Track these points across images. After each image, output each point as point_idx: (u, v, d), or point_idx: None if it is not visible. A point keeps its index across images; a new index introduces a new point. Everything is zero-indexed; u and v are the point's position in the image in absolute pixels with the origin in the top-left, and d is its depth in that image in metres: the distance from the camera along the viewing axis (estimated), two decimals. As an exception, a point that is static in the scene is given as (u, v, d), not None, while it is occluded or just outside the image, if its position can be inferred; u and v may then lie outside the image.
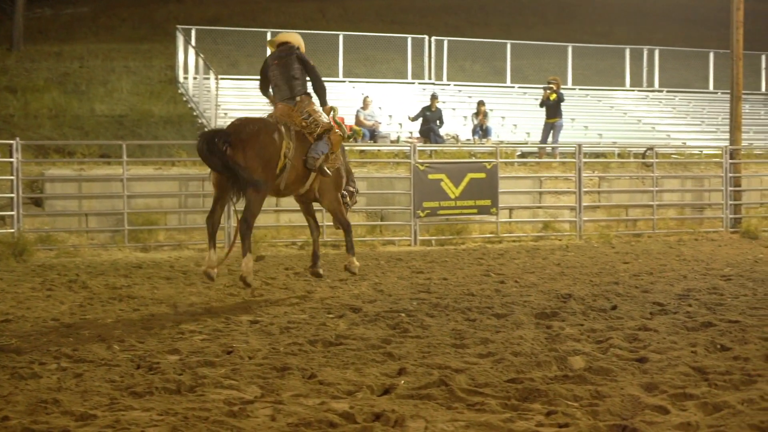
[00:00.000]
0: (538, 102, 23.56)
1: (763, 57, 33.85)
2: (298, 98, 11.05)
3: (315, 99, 11.37)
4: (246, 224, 10.69)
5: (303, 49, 11.35)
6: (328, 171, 11.23)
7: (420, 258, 15.81)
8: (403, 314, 9.67)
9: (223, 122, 23.44)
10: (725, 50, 25.78)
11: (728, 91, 22.73)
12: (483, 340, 8.12)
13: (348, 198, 11.96)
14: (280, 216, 18.14)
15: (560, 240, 18.96)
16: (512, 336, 8.25)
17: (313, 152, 10.99)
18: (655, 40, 34.77)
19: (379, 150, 21.52)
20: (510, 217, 19.53)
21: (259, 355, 7.61)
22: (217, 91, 22.54)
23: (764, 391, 6.25)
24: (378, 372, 6.94)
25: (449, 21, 43.59)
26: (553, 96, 22.93)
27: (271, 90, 11.43)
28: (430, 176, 17.93)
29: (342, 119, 12.15)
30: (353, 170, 18.27)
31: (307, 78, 11.26)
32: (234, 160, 10.22)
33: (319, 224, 12.19)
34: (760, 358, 7.30)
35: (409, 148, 18.44)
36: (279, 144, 10.61)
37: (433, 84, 29.04)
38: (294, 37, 11.54)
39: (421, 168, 17.88)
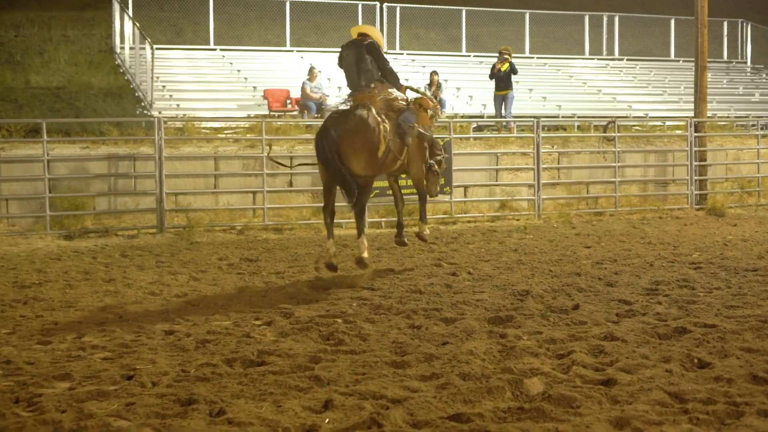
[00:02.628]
0: (488, 73, 22.38)
1: (725, 23, 32.97)
2: (372, 85, 11.27)
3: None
4: (360, 207, 10.98)
5: (381, 42, 11.90)
6: (426, 132, 11.74)
7: (368, 243, 14.68)
8: (339, 320, 8.58)
9: (161, 95, 22.21)
10: (687, 17, 24.87)
11: (690, 59, 21.87)
12: (427, 357, 7.04)
13: (437, 166, 12.07)
14: (219, 198, 16.95)
15: (518, 220, 17.93)
16: (461, 350, 7.16)
17: (405, 123, 11.27)
18: (615, 6, 33.78)
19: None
20: (465, 196, 18.45)
21: (164, 380, 6.47)
22: (153, 61, 21.13)
23: (755, 429, 5.24)
24: (300, 406, 5.83)
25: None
26: (504, 66, 21.80)
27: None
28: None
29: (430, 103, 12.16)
30: (303, 145, 17.24)
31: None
32: (344, 163, 10.63)
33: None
34: (745, 379, 6.30)
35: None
36: (378, 130, 10.82)
37: (385, 53, 27.70)
38: (373, 31, 12.02)
39: (369, 145, 16.72)
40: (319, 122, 20.58)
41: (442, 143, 16.96)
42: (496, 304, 9.24)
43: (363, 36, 11.65)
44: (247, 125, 19.67)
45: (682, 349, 7.15)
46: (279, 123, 19.52)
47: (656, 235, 15.49)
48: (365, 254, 11.04)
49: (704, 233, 15.69)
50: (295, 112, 21.64)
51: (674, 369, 6.56)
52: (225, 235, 15.92)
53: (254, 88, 23.29)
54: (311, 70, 21.83)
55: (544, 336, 7.71)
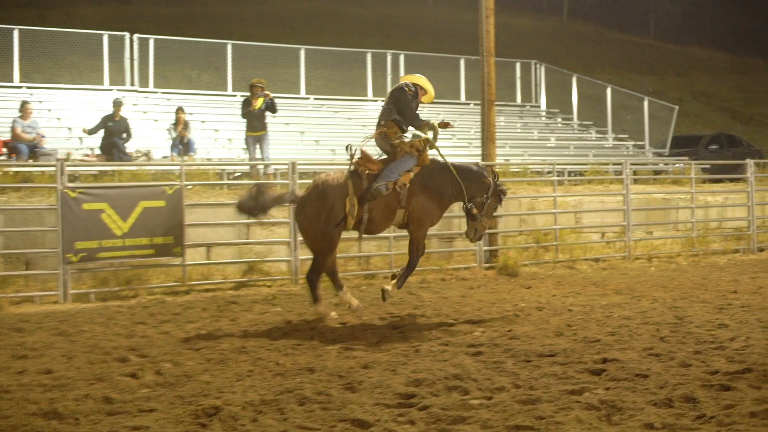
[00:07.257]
0: (240, 112, 19.22)
1: (518, 65, 31.00)
2: (383, 122, 11.37)
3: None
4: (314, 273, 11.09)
5: (431, 93, 11.82)
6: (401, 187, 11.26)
7: (53, 325, 10.89)
8: None
9: None
10: (477, 57, 22.51)
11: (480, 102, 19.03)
12: None
13: (477, 209, 11.62)
14: None
15: (269, 286, 14.49)
16: None
17: (377, 190, 10.95)
18: (404, 47, 31.41)
19: (43, 172, 16.30)
20: (208, 257, 14.89)
21: None
22: None
23: None
24: None
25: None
26: (259, 104, 18.66)
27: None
28: (86, 206, 12.98)
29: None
30: (6, 195, 13.56)
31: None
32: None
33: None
34: None
35: (54, 168, 13.35)
36: (332, 202, 10.91)
37: (136, 91, 24.14)
38: (417, 79, 11.74)
39: (72, 195, 12.95)
40: (34, 167, 16.85)
41: (170, 191, 13.61)
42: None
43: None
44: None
45: None
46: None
47: (434, 303, 12.42)
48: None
49: (492, 299, 12.74)
50: (3, 157, 17.61)
51: None
52: None
53: (-38, 130, 19.16)
54: (23, 106, 17.87)
55: None
